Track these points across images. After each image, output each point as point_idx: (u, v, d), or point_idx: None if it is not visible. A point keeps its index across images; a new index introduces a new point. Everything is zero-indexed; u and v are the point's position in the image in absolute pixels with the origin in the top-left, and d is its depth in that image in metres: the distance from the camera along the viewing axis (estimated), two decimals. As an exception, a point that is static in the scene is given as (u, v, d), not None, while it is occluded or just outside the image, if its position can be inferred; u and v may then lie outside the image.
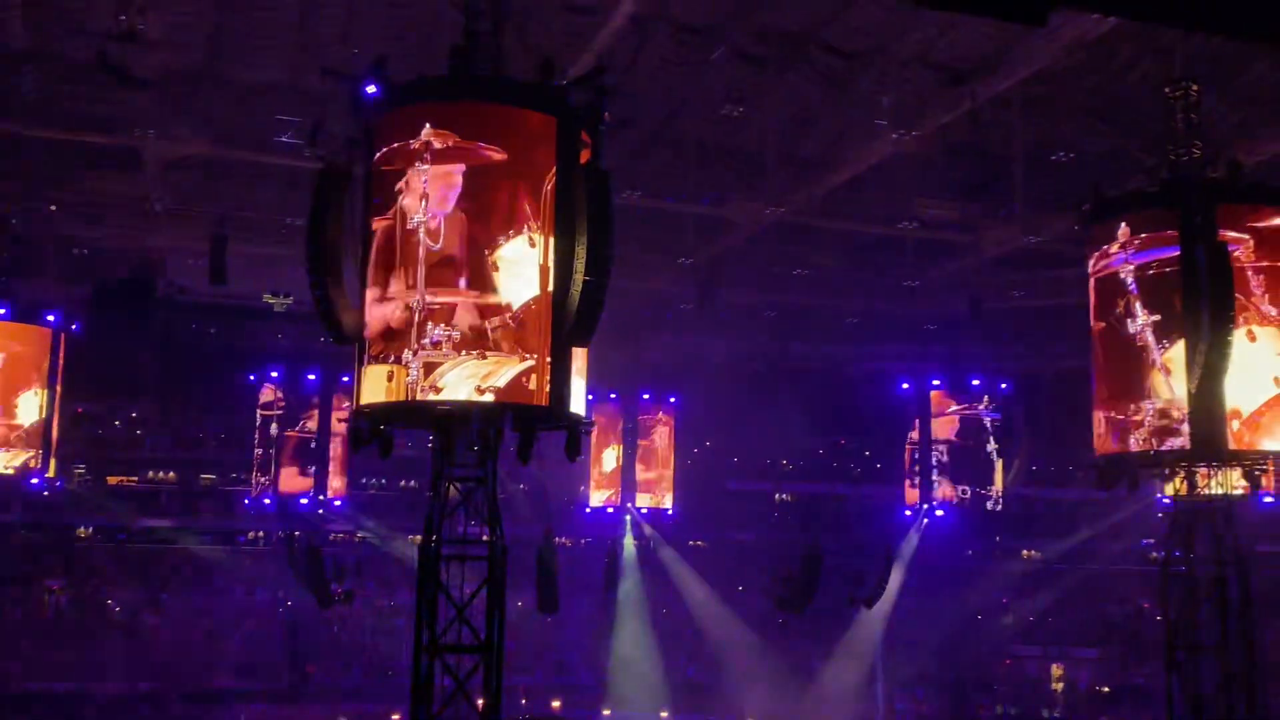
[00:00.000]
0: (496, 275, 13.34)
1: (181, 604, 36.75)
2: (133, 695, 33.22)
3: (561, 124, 13.70)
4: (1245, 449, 16.93)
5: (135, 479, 38.29)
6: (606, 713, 34.58)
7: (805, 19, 20.83)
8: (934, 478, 31.30)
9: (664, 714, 34.50)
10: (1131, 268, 17.36)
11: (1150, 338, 17.13)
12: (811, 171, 25.07)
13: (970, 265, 30.06)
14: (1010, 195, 24.89)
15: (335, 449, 31.21)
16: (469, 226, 13.37)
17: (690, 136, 25.12)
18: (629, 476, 32.71)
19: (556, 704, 35.26)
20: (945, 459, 31.38)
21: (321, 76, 20.46)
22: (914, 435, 31.73)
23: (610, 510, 33.05)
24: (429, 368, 13.24)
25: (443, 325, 13.24)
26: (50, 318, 26.77)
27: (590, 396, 15.68)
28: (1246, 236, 17.01)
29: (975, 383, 31.58)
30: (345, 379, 23.61)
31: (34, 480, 26.60)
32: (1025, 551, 39.87)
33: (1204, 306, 16.13)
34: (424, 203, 13.41)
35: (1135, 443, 17.28)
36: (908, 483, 32.09)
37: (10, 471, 26.32)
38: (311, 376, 31.22)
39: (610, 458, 32.97)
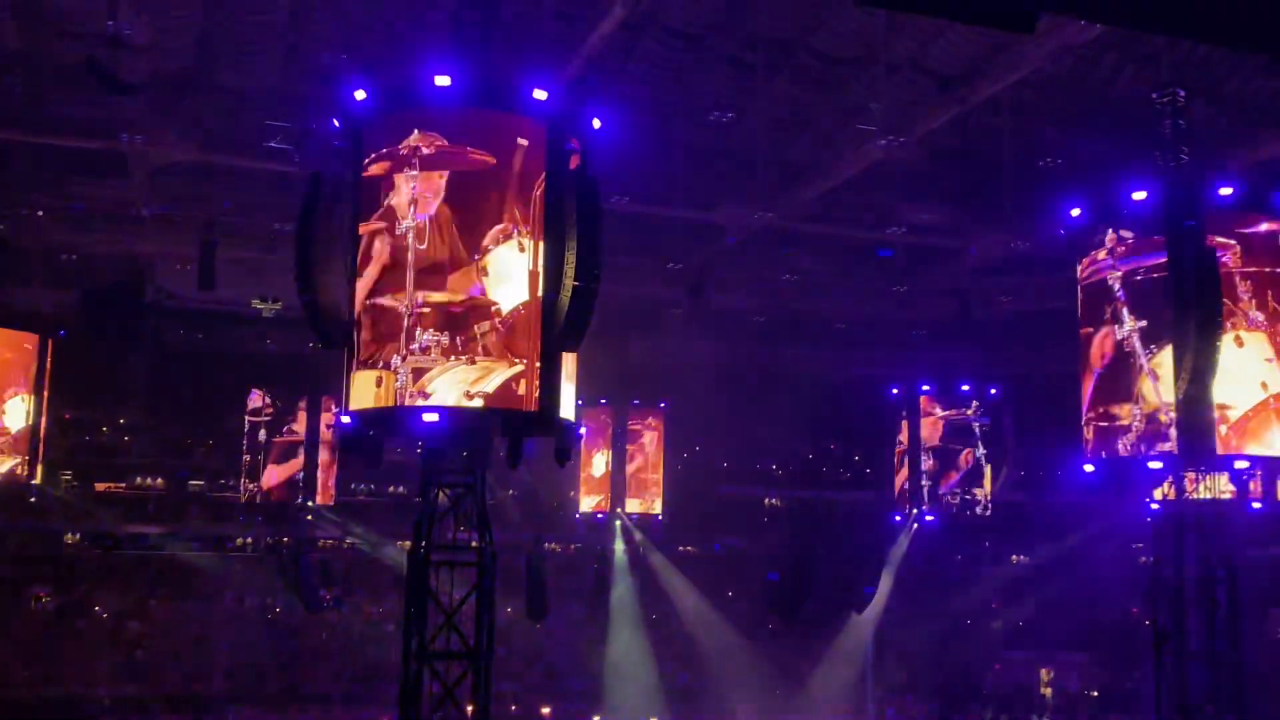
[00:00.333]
0: (485, 280, 13.34)
1: (169, 610, 36.58)
2: (120, 701, 33.04)
3: (550, 130, 13.71)
4: (1232, 454, 16.99)
5: (123, 485, 37.97)
6: (596, 719, 34.55)
7: (794, 25, 20.86)
8: (923, 483, 31.30)
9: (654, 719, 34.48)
10: (1119, 273, 17.41)
11: (1138, 343, 17.18)
12: (801, 177, 25.11)
13: (959, 270, 30.15)
14: (999, 200, 24.97)
15: (323, 455, 31.16)
16: (457, 231, 13.35)
17: (680, 141, 25.13)
18: (618, 481, 32.70)
19: (546, 710, 35.18)
20: (934, 464, 31.39)
21: (310, 82, 20.44)
22: (903, 440, 31.73)
23: (600, 515, 33.03)
24: (418, 373, 13.22)
25: (431, 330, 13.23)
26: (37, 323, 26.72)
27: (580, 401, 15.65)
28: (1234, 242, 17.06)
29: (964, 388, 31.60)
30: (334, 385, 23.54)
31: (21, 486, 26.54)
32: (1014, 556, 39.93)
33: (1191, 312, 16.17)
34: (412, 208, 13.40)
35: (1123, 447, 17.34)
36: (897, 488, 32.11)
37: (-3, 477, 26.26)
38: (300, 382, 31.12)
39: (600, 463, 32.90)
